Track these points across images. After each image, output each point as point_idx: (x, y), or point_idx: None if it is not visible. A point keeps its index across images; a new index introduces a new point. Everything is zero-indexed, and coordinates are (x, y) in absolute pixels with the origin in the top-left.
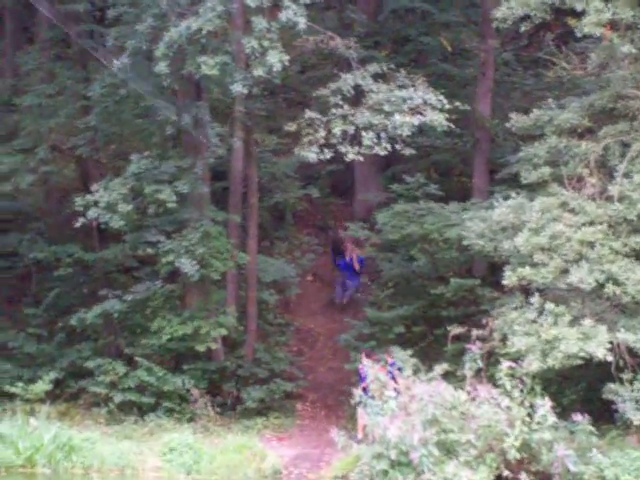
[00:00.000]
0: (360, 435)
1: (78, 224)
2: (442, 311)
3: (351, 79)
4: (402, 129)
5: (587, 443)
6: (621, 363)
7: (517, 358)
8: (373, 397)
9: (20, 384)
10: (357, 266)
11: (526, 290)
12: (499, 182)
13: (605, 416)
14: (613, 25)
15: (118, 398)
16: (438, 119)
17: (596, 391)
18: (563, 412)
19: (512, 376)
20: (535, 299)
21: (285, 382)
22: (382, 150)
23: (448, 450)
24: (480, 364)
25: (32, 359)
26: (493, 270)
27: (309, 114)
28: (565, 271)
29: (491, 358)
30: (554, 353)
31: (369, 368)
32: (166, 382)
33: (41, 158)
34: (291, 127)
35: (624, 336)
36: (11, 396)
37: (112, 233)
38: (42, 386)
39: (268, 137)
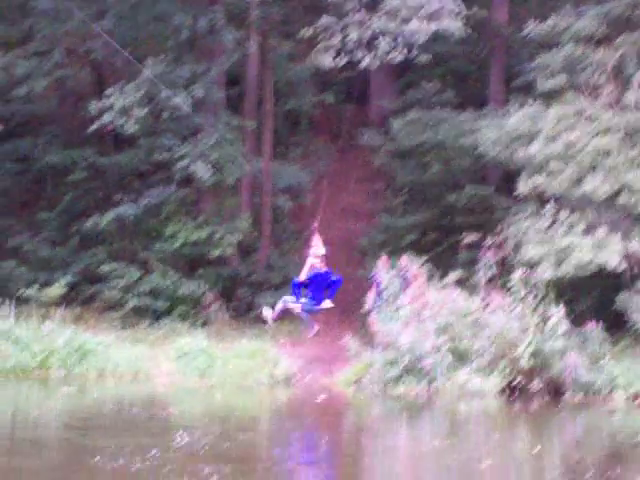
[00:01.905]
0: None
1: (93, 128)
2: (456, 219)
3: None
4: (418, 35)
5: (599, 351)
6: (634, 272)
7: (530, 266)
8: (387, 303)
9: (35, 288)
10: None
11: (540, 198)
12: (515, 90)
13: (617, 324)
14: None
15: (132, 302)
16: (455, 26)
17: (609, 300)
18: (576, 320)
19: (525, 284)
20: (549, 208)
21: None
22: (398, 57)
23: (460, 357)
24: (493, 272)
25: (46, 263)
26: (507, 178)
27: (325, 20)
28: (579, 180)
29: (504, 266)
30: (567, 262)
31: (384, 274)
32: (180, 287)
33: (56, 62)
34: (307, 32)
35: (637, 245)
36: (26, 300)
37: (126, 138)
38: (56, 290)
39: (283, 42)
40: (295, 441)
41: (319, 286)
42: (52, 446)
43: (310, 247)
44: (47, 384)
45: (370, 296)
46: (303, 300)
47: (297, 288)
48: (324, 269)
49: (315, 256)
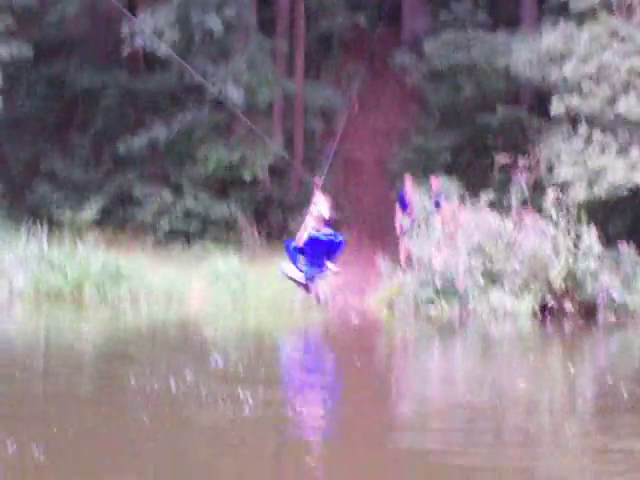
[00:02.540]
0: (403, 263)
1: (125, 52)
2: (488, 140)
3: None
4: None
5: (632, 272)
6: None
7: (563, 187)
8: (419, 225)
9: (68, 211)
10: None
11: (573, 119)
12: (548, 10)
13: None
14: None
15: (165, 226)
16: None
17: None
18: (609, 242)
19: (558, 205)
20: (582, 129)
21: (331, 210)
22: None
23: (493, 279)
24: (526, 193)
25: (79, 186)
26: (540, 99)
27: None
28: (613, 100)
29: (537, 187)
30: (600, 183)
31: (415, 195)
32: (213, 210)
33: None
34: None
35: None
36: (59, 223)
37: (158, 61)
38: (89, 213)
39: None
40: (329, 364)
41: (317, 253)
42: (87, 370)
43: (312, 205)
44: (81, 307)
45: (397, 217)
46: (302, 267)
47: (293, 252)
48: (324, 232)
49: (315, 217)
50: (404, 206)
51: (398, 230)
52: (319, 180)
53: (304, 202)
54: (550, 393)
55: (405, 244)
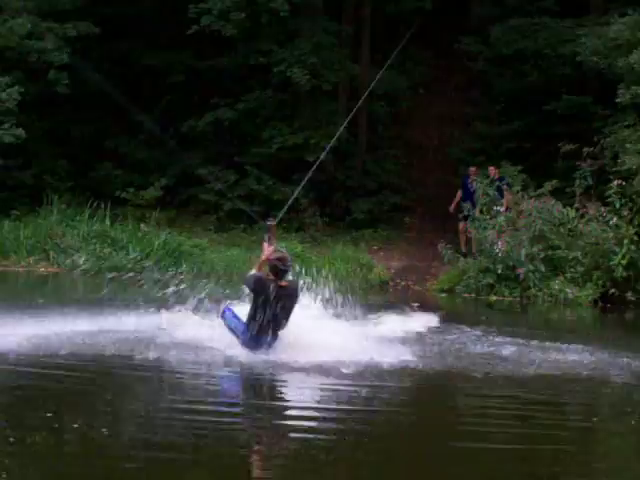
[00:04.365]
0: (464, 249)
1: (191, 31)
2: (553, 127)
3: None
4: None
5: None
6: None
7: (628, 177)
8: (482, 211)
9: (131, 190)
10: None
11: (639, 108)
12: None
13: None
14: None
15: (227, 206)
16: None
17: None
18: None
19: (622, 194)
20: None
21: (393, 194)
22: None
23: (555, 266)
24: (590, 182)
25: (143, 165)
26: (606, 87)
27: None
28: None
29: (601, 176)
30: None
31: (478, 183)
32: (275, 191)
33: None
34: None
35: None
36: (122, 201)
37: (224, 41)
38: (153, 192)
39: None
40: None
41: None
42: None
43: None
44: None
45: (455, 201)
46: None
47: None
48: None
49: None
50: (467, 192)
51: (452, 209)
52: (272, 221)
53: (366, 184)
54: (614, 381)
55: (467, 230)
